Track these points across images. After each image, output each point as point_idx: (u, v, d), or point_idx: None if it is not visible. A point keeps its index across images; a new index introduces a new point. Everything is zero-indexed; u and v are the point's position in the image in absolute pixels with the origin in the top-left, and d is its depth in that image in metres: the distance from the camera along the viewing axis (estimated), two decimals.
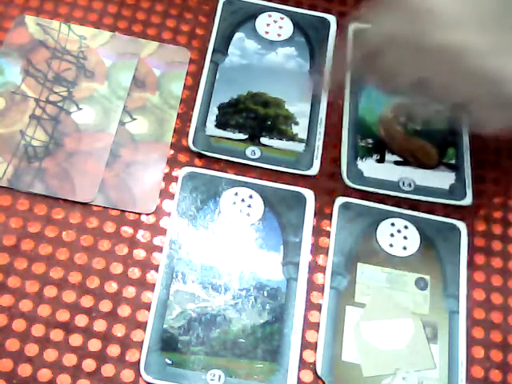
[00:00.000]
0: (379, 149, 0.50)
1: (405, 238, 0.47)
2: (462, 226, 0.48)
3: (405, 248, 0.47)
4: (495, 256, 0.47)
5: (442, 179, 0.49)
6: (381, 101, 0.52)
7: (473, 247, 0.47)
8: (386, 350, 0.43)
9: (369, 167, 0.49)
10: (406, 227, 0.47)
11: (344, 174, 0.49)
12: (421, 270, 0.46)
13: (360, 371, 0.43)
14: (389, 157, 0.50)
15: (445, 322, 0.44)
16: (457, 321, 0.45)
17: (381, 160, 0.50)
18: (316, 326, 0.44)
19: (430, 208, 0.48)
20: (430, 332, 0.44)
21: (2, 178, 0.46)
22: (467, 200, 0.49)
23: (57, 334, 0.42)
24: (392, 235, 0.47)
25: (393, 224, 0.47)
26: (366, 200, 0.48)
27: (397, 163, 0.50)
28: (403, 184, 0.49)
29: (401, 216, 0.47)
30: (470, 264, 0.47)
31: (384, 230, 0.47)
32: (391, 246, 0.46)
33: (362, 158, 0.50)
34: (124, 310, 0.44)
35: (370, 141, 0.51)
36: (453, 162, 0.50)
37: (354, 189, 0.49)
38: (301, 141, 0.50)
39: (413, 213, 0.48)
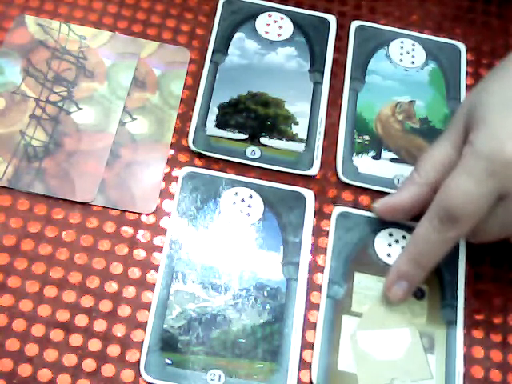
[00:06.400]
0: (375, 146, 0.50)
1: (403, 248, 0.46)
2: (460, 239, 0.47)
3: None
4: (496, 258, 0.48)
5: None
6: (379, 98, 0.52)
7: (471, 250, 0.47)
8: (383, 359, 0.43)
9: (364, 164, 0.49)
10: (403, 237, 0.47)
11: (339, 169, 0.49)
12: None
13: (356, 381, 0.42)
14: (385, 154, 0.50)
15: (442, 332, 0.44)
16: (454, 331, 0.44)
17: (377, 157, 0.50)
18: (316, 327, 0.44)
19: None
20: (427, 342, 0.44)
21: (1, 178, 0.46)
22: None
23: (57, 334, 0.42)
24: (390, 245, 0.47)
25: (391, 234, 0.47)
26: (365, 209, 0.48)
27: (393, 160, 0.50)
28: (398, 181, 0.49)
29: (399, 226, 0.47)
30: (470, 267, 0.47)
31: (382, 239, 0.47)
32: (389, 255, 0.46)
33: (357, 155, 0.50)
34: (124, 310, 0.44)
35: (366, 137, 0.51)
36: None
37: (352, 188, 0.49)
38: (301, 141, 0.50)
39: (410, 223, 0.47)
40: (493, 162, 0.39)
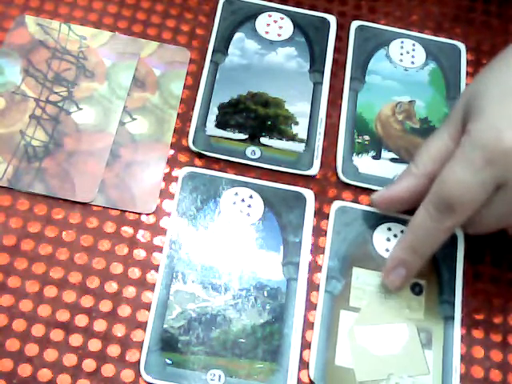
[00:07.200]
0: (375, 146, 0.50)
1: None
2: (458, 231, 0.47)
3: None
4: (495, 256, 0.48)
5: None
6: (379, 98, 0.52)
7: (470, 248, 0.47)
8: (380, 354, 0.43)
9: (364, 164, 0.49)
10: (402, 232, 0.47)
11: (339, 169, 0.49)
12: (416, 275, 0.45)
13: (353, 376, 0.42)
14: (385, 154, 0.50)
15: (440, 327, 0.44)
16: (451, 326, 0.44)
17: (377, 157, 0.50)
18: (314, 324, 0.44)
19: None
20: (425, 337, 0.44)
21: (2, 178, 0.46)
22: None
23: (57, 334, 0.42)
24: (388, 240, 0.47)
25: (389, 229, 0.47)
26: (364, 204, 0.48)
27: (393, 160, 0.50)
28: None
29: (397, 221, 0.47)
30: (469, 265, 0.47)
31: (380, 234, 0.47)
32: (387, 250, 0.46)
33: (357, 154, 0.50)
34: (124, 310, 0.44)
35: (366, 137, 0.51)
36: None
37: (352, 188, 0.49)
38: (301, 141, 0.50)
39: (409, 218, 0.47)
40: (491, 151, 0.39)
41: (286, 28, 0.55)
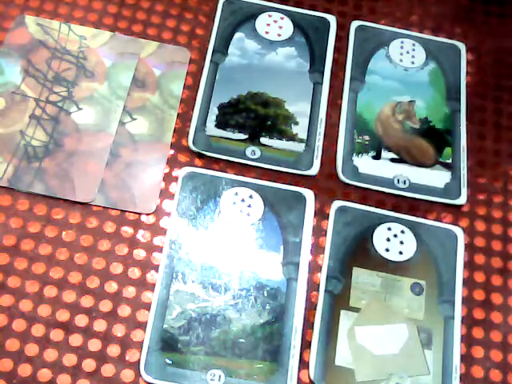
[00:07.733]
0: (376, 146, 0.50)
1: (401, 242, 0.47)
2: (458, 231, 0.47)
3: (401, 253, 0.46)
4: (494, 256, 0.48)
5: (437, 178, 0.49)
6: (379, 98, 0.52)
7: (470, 247, 0.47)
8: (380, 355, 0.43)
9: (364, 164, 0.50)
10: (402, 232, 0.47)
11: (339, 169, 0.49)
12: (416, 275, 0.45)
13: (353, 376, 0.43)
14: (385, 154, 0.50)
15: (440, 327, 0.44)
16: (452, 326, 0.44)
17: (377, 157, 0.50)
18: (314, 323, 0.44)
19: (427, 208, 0.48)
20: (425, 337, 0.44)
21: (2, 178, 0.46)
22: (461, 199, 0.49)
23: (57, 334, 0.42)
24: (388, 240, 0.47)
25: (389, 228, 0.47)
26: (364, 204, 0.48)
27: (393, 161, 0.50)
28: (398, 181, 0.49)
29: (397, 221, 0.47)
30: (469, 264, 0.47)
31: (380, 234, 0.47)
32: (387, 250, 0.46)
33: (358, 155, 0.50)
34: (124, 310, 0.44)
35: (366, 137, 0.51)
36: (449, 161, 0.50)
37: (352, 188, 0.49)
38: (301, 141, 0.50)
39: (410, 217, 0.47)
40: None
41: (286, 28, 0.55)
